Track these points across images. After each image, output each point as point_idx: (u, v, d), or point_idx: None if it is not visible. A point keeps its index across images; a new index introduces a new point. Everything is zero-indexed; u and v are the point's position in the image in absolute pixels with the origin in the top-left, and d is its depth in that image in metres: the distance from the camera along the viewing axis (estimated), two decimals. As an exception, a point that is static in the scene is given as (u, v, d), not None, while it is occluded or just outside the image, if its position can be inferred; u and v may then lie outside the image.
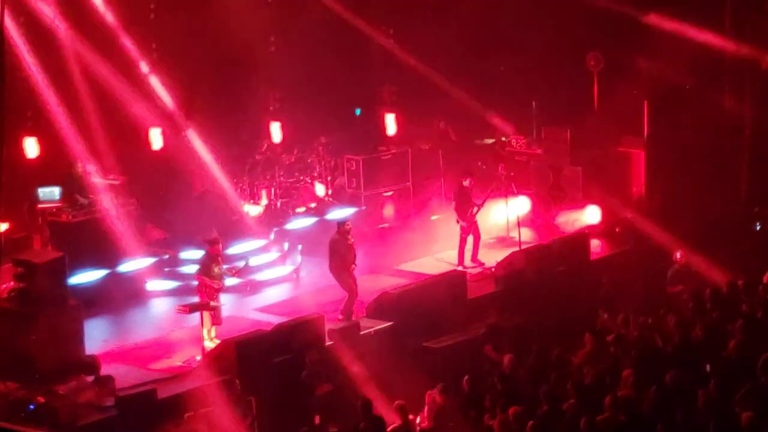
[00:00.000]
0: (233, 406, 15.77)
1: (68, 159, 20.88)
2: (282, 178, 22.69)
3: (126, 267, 19.59)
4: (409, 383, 15.94)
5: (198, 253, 18.78)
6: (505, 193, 21.70)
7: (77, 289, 18.29)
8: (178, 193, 22.46)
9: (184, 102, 22.74)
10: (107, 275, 19.43)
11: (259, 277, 20.44)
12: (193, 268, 18.78)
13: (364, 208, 22.80)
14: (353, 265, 18.76)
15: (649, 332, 16.50)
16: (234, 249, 20.37)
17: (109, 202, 19.96)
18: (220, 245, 18.18)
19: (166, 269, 20.27)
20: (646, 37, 22.91)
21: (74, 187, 20.44)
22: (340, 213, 22.09)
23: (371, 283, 20.18)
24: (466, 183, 20.98)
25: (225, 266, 17.99)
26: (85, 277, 19.01)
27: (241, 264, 18.58)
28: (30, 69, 21.28)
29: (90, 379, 16.13)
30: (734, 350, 14.89)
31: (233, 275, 18.33)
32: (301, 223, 22.44)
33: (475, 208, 20.91)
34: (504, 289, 19.76)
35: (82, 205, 19.70)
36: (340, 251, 18.61)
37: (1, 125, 15.48)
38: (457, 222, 20.85)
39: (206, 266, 17.83)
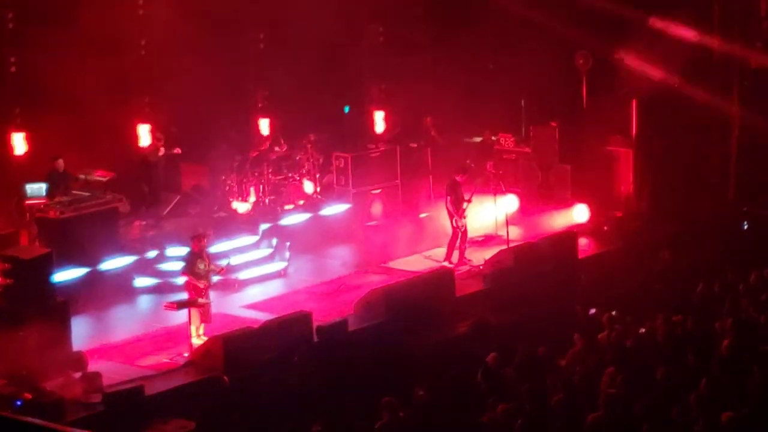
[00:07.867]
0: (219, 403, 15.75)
1: (51, 155, 20.81)
2: (270, 176, 22.65)
3: (113, 263, 19.54)
4: (397, 380, 15.92)
5: (185, 250, 18.71)
6: (494, 191, 21.70)
7: (64, 286, 18.24)
8: (167, 190, 22.44)
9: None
10: (94, 271, 19.37)
11: (247, 274, 20.41)
12: (179, 265, 18.75)
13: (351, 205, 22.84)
14: None
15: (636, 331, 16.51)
16: (222, 246, 20.35)
17: (97, 197, 19.92)
18: (205, 241, 18.10)
19: (154, 266, 20.20)
20: (634, 36, 22.97)
21: (57, 185, 20.36)
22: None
23: (359, 280, 20.22)
24: (459, 178, 20.98)
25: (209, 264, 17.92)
26: (72, 274, 18.96)
27: (223, 263, 18.50)
28: (17, 65, 21.22)
29: (77, 375, 16.06)
30: (727, 350, 14.86)
31: (217, 273, 18.23)
32: (289, 220, 22.40)
33: (466, 204, 20.89)
34: (492, 286, 19.76)
35: (63, 203, 19.57)
36: None
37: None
38: (451, 218, 20.78)
39: (191, 263, 17.72)
